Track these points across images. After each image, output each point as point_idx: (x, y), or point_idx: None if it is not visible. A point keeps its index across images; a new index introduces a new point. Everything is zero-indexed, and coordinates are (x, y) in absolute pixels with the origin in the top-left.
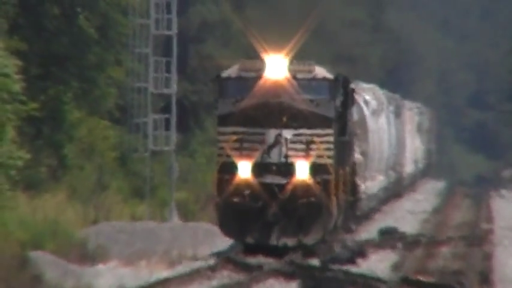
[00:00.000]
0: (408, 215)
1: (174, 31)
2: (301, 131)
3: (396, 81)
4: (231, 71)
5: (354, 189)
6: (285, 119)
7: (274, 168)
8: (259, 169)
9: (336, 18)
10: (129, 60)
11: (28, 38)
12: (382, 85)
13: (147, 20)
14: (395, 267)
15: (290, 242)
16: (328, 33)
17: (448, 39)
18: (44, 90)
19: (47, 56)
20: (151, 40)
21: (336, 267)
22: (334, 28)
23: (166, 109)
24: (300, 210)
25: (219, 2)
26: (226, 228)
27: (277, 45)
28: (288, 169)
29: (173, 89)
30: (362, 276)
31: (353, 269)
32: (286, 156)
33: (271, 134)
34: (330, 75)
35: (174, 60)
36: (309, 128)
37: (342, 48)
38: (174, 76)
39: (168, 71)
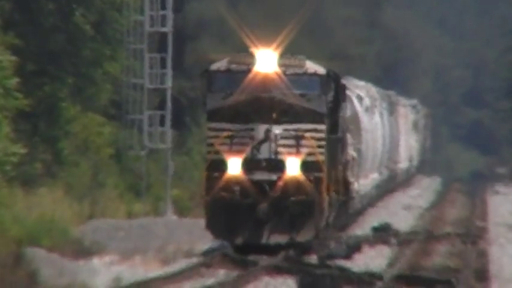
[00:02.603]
0: (402, 210)
1: (169, 28)
2: (292, 126)
3: (392, 79)
4: (220, 65)
5: (346, 187)
6: (275, 114)
7: (264, 165)
8: (249, 165)
9: (331, 15)
10: (124, 57)
11: (24, 35)
12: (378, 82)
13: (141, 16)
14: (390, 263)
15: (281, 239)
16: (324, 30)
17: (444, 37)
18: (39, 86)
19: (43, 53)
20: (146, 37)
21: (332, 263)
22: (330, 25)
23: (162, 105)
24: (292, 208)
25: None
26: (214, 227)
27: (270, 40)
28: (278, 165)
29: (168, 83)
30: (359, 272)
31: (349, 265)
32: (276, 153)
33: (261, 129)
34: (321, 70)
35: (169, 56)
36: (300, 123)
37: (338, 46)
38: (169, 71)
39: (164, 67)
